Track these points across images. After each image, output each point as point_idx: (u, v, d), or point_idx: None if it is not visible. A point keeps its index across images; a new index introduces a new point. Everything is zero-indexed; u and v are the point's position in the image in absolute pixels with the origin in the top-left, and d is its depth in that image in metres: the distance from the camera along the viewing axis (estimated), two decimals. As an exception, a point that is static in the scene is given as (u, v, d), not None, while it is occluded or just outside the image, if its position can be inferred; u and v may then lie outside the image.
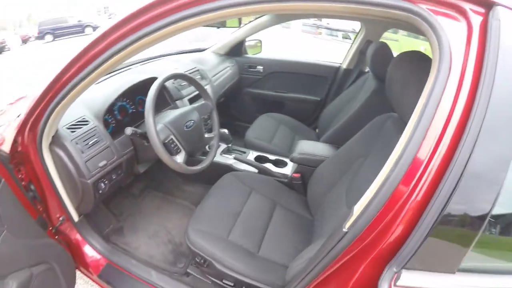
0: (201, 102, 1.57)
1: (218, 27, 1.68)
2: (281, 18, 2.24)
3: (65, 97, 0.96)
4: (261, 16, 2.26)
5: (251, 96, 2.73)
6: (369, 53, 1.63)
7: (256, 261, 1.19)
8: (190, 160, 1.39)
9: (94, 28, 16.59)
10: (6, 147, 1.12)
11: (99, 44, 0.84)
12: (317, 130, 2.31)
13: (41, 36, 16.48)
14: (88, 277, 1.44)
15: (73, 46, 0.88)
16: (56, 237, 1.34)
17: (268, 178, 1.67)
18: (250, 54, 2.69)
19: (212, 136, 1.54)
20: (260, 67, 2.60)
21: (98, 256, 1.41)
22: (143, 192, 2.01)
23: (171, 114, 1.40)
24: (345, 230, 0.65)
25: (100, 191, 1.30)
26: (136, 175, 1.67)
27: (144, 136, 1.28)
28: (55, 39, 16.51)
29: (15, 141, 1.14)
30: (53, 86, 0.96)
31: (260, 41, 2.65)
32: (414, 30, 1.27)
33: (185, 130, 1.36)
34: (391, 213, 0.58)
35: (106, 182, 1.33)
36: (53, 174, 1.21)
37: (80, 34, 17.07)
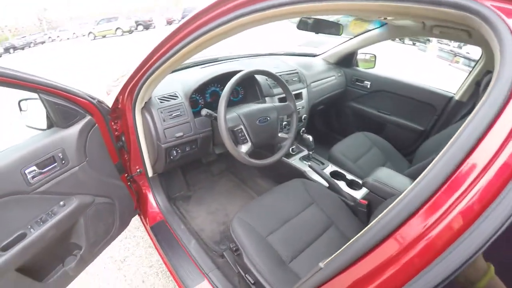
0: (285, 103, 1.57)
1: (317, 32, 1.61)
2: (393, 33, 2.01)
3: (154, 73, 1.13)
4: (374, 29, 2.08)
5: (352, 110, 2.56)
6: (483, 86, 1.32)
7: (282, 270, 1.12)
8: (257, 153, 1.41)
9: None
10: (109, 103, 1.36)
11: (178, 33, 0.94)
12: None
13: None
14: (143, 224, 1.63)
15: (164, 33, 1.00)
16: (129, 183, 1.55)
17: (334, 196, 1.54)
18: (361, 68, 2.52)
19: (286, 137, 1.51)
20: (367, 83, 2.40)
21: (157, 211, 1.57)
22: (221, 173, 2.15)
23: (250, 107, 1.44)
24: None
25: (171, 157, 1.45)
26: (218, 156, 1.78)
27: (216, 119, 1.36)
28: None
29: (117, 100, 1.37)
30: (145, 62, 1.13)
31: (375, 56, 2.44)
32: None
33: (258, 124, 1.38)
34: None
35: (179, 151, 1.47)
36: (140, 132, 1.41)
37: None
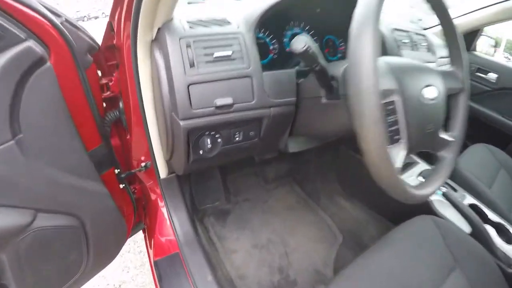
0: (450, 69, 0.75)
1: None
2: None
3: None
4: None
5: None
6: None
7: None
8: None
9: None
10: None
11: None
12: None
13: None
14: (147, 249, 0.98)
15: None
16: (123, 186, 0.88)
17: (486, 256, 0.81)
18: (483, 54, 1.74)
19: (449, 139, 0.69)
20: (493, 75, 1.59)
21: (170, 236, 0.89)
22: (280, 179, 1.42)
23: (396, 60, 0.66)
24: None
25: (202, 150, 0.73)
26: (280, 153, 1.07)
27: (331, 77, 0.63)
28: None
29: (110, 28, 0.70)
30: None
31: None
32: None
33: (422, 102, 0.60)
34: None
35: (219, 140, 0.74)
36: (145, 92, 0.72)
37: None
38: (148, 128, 0.77)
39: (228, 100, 0.66)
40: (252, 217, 1.23)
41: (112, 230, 0.82)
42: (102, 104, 0.81)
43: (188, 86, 0.63)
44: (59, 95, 0.62)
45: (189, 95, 0.64)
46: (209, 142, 0.71)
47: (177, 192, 0.94)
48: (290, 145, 0.88)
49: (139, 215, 1.09)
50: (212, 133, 0.71)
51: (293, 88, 0.74)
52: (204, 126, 0.67)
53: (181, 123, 0.64)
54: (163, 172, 0.88)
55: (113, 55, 0.81)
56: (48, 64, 0.59)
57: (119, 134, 0.92)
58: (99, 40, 0.80)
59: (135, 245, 1.44)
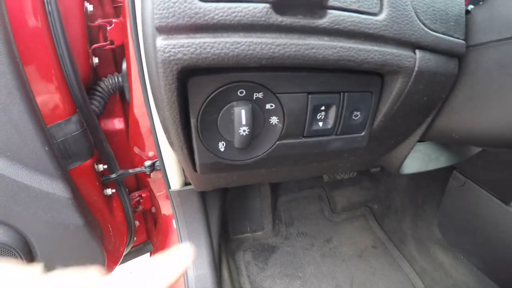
0: None
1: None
2: None
3: None
4: None
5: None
6: None
7: None
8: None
9: None
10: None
11: None
12: None
13: None
14: None
15: None
16: (112, 191, 0.57)
17: None
18: None
19: None
20: None
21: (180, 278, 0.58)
22: (352, 210, 1.04)
23: None
24: None
25: (222, 146, 0.31)
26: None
27: None
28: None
29: None
30: None
31: None
32: None
33: None
34: None
35: (275, 121, 0.31)
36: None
37: None
38: (149, 100, 0.45)
39: None
40: (307, 261, 0.85)
41: (76, 258, 0.51)
42: (89, 59, 0.52)
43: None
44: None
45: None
46: (244, 122, 0.28)
47: (197, 211, 0.62)
48: (405, 162, 0.49)
49: (148, 233, 0.78)
50: (260, 95, 0.29)
51: (461, 18, 0.35)
52: (235, 64, 0.25)
53: (159, 41, 0.23)
54: (176, 181, 0.54)
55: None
56: None
57: (124, 114, 0.63)
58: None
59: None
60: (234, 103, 0.27)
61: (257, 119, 0.29)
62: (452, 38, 0.33)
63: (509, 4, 0.31)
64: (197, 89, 0.26)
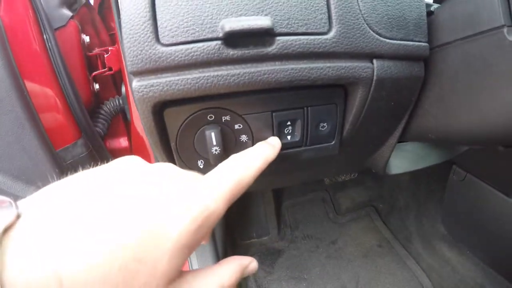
0: None
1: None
2: None
3: None
4: None
5: None
6: None
7: None
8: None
9: None
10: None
11: None
12: None
13: None
14: None
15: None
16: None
17: None
18: None
19: None
20: None
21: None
22: (356, 211, 1.05)
23: None
24: None
25: (201, 164, 0.35)
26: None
27: None
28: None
29: None
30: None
31: None
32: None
33: None
34: None
35: (245, 138, 0.34)
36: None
37: None
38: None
39: (260, 21, 0.26)
40: (312, 263, 0.86)
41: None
42: (90, 85, 0.57)
43: None
44: (6, 59, 0.39)
45: (153, 7, 0.26)
46: (215, 142, 0.31)
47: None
48: (392, 163, 0.51)
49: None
50: (227, 118, 0.32)
51: (421, 21, 0.35)
52: (197, 95, 0.29)
53: (134, 83, 0.27)
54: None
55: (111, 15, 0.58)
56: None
57: (128, 133, 0.68)
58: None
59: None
60: (206, 126, 0.31)
61: (228, 138, 0.32)
62: (412, 43, 0.34)
63: (470, 2, 0.31)
64: (172, 117, 0.30)
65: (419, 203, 0.96)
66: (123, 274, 0.16)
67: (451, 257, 0.87)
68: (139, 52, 0.26)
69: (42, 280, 0.15)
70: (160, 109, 0.29)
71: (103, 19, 0.60)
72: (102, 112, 0.59)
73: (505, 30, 0.28)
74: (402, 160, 0.58)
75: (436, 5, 0.38)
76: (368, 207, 1.04)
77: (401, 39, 0.33)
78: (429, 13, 0.37)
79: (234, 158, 0.24)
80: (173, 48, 0.26)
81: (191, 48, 0.26)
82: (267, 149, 0.27)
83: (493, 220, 0.74)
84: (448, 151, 0.63)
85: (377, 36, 0.32)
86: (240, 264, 0.23)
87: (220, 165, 0.23)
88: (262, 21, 0.26)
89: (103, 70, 0.57)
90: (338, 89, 0.34)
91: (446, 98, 0.38)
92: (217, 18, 0.26)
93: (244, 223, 0.91)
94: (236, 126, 0.32)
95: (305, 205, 1.00)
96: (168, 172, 0.21)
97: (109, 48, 0.56)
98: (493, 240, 0.78)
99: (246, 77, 0.27)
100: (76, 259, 0.15)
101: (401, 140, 0.46)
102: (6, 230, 0.15)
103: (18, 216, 0.16)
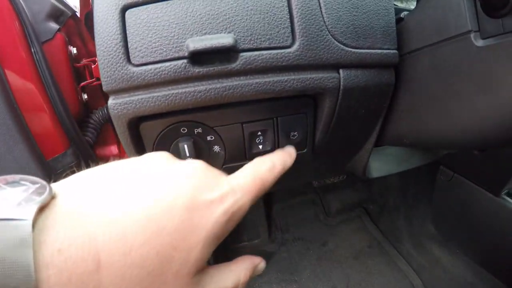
0: None
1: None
2: None
3: None
4: None
5: None
6: None
7: None
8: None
9: None
10: None
11: None
12: None
13: None
14: None
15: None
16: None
17: None
18: None
19: None
20: None
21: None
22: (346, 213, 1.06)
23: None
24: None
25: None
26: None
27: None
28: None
29: None
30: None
31: None
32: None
33: None
34: None
35: (218, 149, 0.36)
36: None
37: None
38: None
39: (222, 40, 0.28)
40: (303, 265, 0.88)
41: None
42: (78, 96, 0.58)
43: (123, 10, 0.29)
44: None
45: (123, 30, 0.28)
46: (188, 154, 0.32)
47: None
48: (373, 166, 0.53)
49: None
50: (199, 130, 0.33)
51: (390, 29, 0.36)
52: (168, 111, 0.30)
53: (110, 101, 0.29)
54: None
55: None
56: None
57: (118, 141, 0.69)
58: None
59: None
60: (180, 139, 0.32)
61: (201, 150, 0.34)
62: (380, 51, 0.34)
63: (437, 7, 0.32)
64: (148, 131, 0.32)
65: (408, 204, 0.98)
66: (160, 260, 0.17)
67: (441, 256, 0.88)
68: (113, 72, 0.28)
69: (79, 261, 0.15)
70: (136, 123, 0.31)
71: (89, 29, 0.61)
72: (91, 121, 0.61)
73: (472, 35, 0.28)
74: (383, 163, 0.59)
75: (405, 12, 0.38)
76: (358, 209, 1.05)
77: (368, 48, 0.34)
78: (399, 20, 0.37)
79: (258, 160, 0.26)
80: (143, 68, 0.28)
81: (160, 68, 0.28)
82: (287, 156, 0.30)
83: (481, 219, 0.75)
84: (430, 153, 0.65)
85: (342, 46, 0.32)
86: (252, 263, 0.24)
87: (246, 165, 0.25)
88: (224, 39, 0.27)
89: (91, 80, 0.58)
90: (307, 99, 0.35)
91: (417, 105, 0.39)
92: (183, 37, 0.28)
93: (235, 227, 0.93)
94: (209, 138, 0.33)
95: (295, 208, 1.02)
96: (200, 166, 0.22)
97: (96, 59, 0.58)
98: (482, 239, 0.79)
99: (212, 93, 0.29)
100: (115, 242, 0.16)
101: (377, 144, 0.48)
102: (42, 208, 0.15)
103: (53, 197, 0.16)
